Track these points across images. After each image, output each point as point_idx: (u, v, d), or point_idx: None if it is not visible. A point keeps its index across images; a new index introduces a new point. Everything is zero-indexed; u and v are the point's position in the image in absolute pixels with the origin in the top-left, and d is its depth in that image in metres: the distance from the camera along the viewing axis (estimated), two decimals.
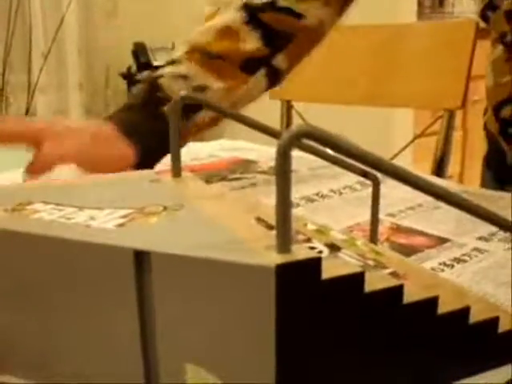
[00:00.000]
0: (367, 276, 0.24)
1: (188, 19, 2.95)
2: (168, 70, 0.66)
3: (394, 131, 2.42)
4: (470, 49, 1.17)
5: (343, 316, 0.24)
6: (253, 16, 0.68)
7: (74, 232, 0.27)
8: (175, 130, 0.36)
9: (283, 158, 0.23)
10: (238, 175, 0.69)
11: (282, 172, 0.23)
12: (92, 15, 2.85)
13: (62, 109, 2.77)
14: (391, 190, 0.55)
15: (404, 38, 1.28)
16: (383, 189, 0.37)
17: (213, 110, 0.36)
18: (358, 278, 0.24)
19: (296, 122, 1.43)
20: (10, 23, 2.57)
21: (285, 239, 0.23)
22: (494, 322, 0.29)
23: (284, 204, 0.23)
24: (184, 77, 0.66)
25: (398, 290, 0.25)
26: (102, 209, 0.29)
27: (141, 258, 0.24)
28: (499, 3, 0.76)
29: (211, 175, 0.68)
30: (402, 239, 0.50)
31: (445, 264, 0.45)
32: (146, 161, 0.60)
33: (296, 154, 0.26)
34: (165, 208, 0.29)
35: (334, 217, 0.54)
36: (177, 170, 0.36)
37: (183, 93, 0.35)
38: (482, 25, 0.86)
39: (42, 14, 2.67)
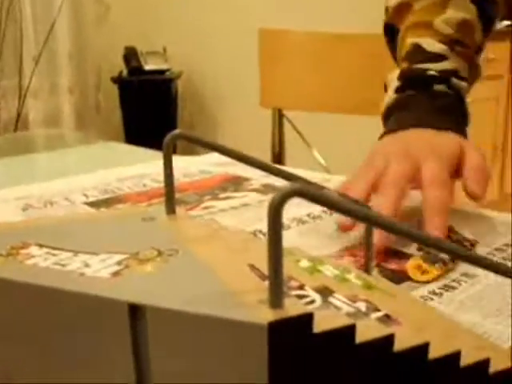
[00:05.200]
0: (358, 325, 0.25)
1: (178, 24, 2.96)
2: (444, 67, 0.70)
3: None
4: None
5: (335, 367, 0.25)
6: (480, 8, 0.74)
7: (68, 281, 0.27)
8: (169, 165, 0.36)
9: (275, 217, 0.23)
10: (229, 193, 0.69)
11: (274, 230, 0.23)
12: (83, 19, 2.85)
13: (53, 113, 2.77)
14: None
15: None
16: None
17: (220, 153, 0.36)
18: (349, 330, 0.25)
19: (287, 130, 1.43)
20: (1, 27, 2.57)
21: (277, 295, 0.24)
22: (485, 363, 0.29)
23: (276, 261, 0.23)
24: (455, 73, 0.70)
25: (389, 339, 0.26)
26: (96, 253, 0.30)
27: (136, 311, 0.25)
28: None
29: (203, 194, 0.68)
30: (393, 264, 0.50)
31: (434, 292, 0.45)
32: None
33: None
34: (159, 253, 0.30)
35: (325, 240, 0.55)
36: (171, 207, 0.36)
37: (177, 131, 0.36)
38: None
39: (32, 18, 2.66)
